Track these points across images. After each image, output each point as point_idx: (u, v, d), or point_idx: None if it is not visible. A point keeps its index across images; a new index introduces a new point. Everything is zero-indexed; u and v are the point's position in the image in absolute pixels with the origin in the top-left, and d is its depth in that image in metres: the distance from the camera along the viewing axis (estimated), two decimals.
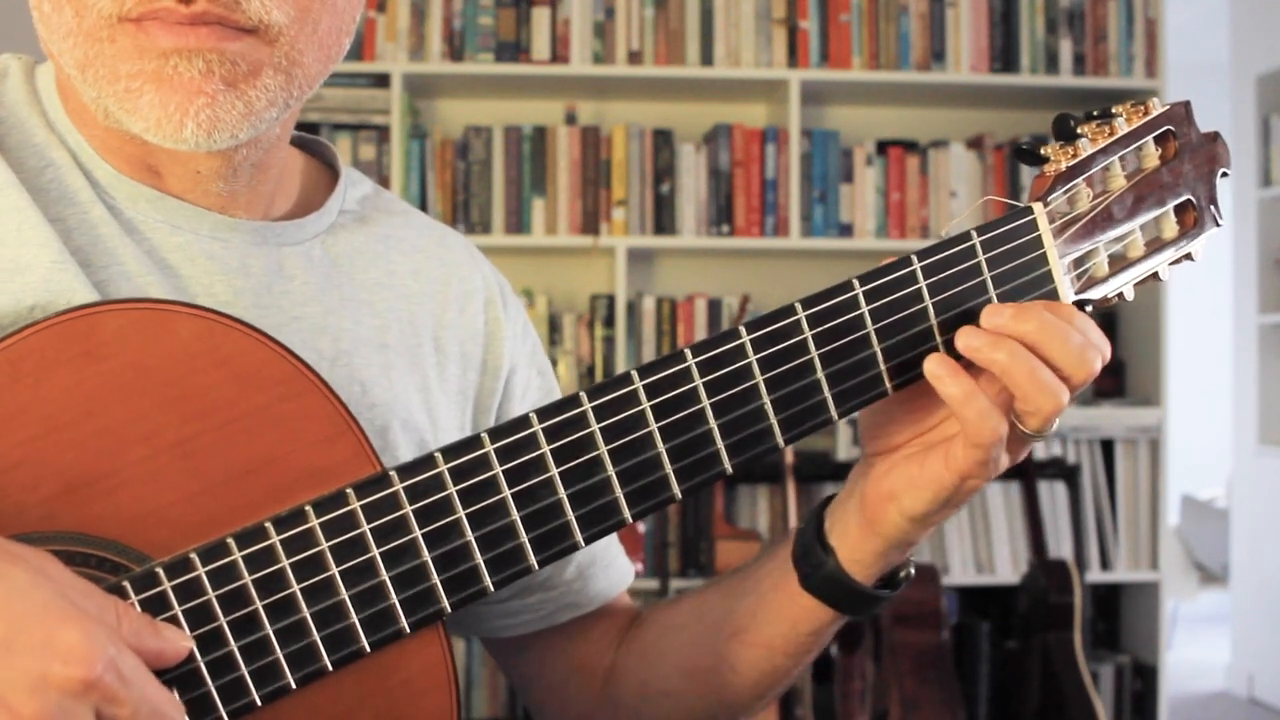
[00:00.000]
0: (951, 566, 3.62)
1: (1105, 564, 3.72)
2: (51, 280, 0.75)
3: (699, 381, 0.76)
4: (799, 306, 0.77)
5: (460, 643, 3.15)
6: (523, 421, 0.74)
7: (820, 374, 0.78)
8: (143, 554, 0.70)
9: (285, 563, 0.71)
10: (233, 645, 0.70)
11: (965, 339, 0.78)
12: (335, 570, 0.72)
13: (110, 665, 0.60)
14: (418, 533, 0.73)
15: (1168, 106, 0.85)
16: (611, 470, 0.75)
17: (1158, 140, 0.84)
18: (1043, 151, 0.82)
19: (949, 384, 0.77)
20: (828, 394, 0.78)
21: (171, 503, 0.71)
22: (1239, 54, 4.87)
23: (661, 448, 0.76)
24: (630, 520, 0.76)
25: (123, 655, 0.62)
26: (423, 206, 3.56)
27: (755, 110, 3.80)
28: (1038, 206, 0.81)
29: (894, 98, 3.81)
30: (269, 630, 0.71)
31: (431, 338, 0.92)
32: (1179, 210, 0.86)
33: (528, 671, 1.02)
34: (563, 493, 0.75)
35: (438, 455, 0.73)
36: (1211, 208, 0.86)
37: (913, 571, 0.88)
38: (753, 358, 0.77)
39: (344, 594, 0.72)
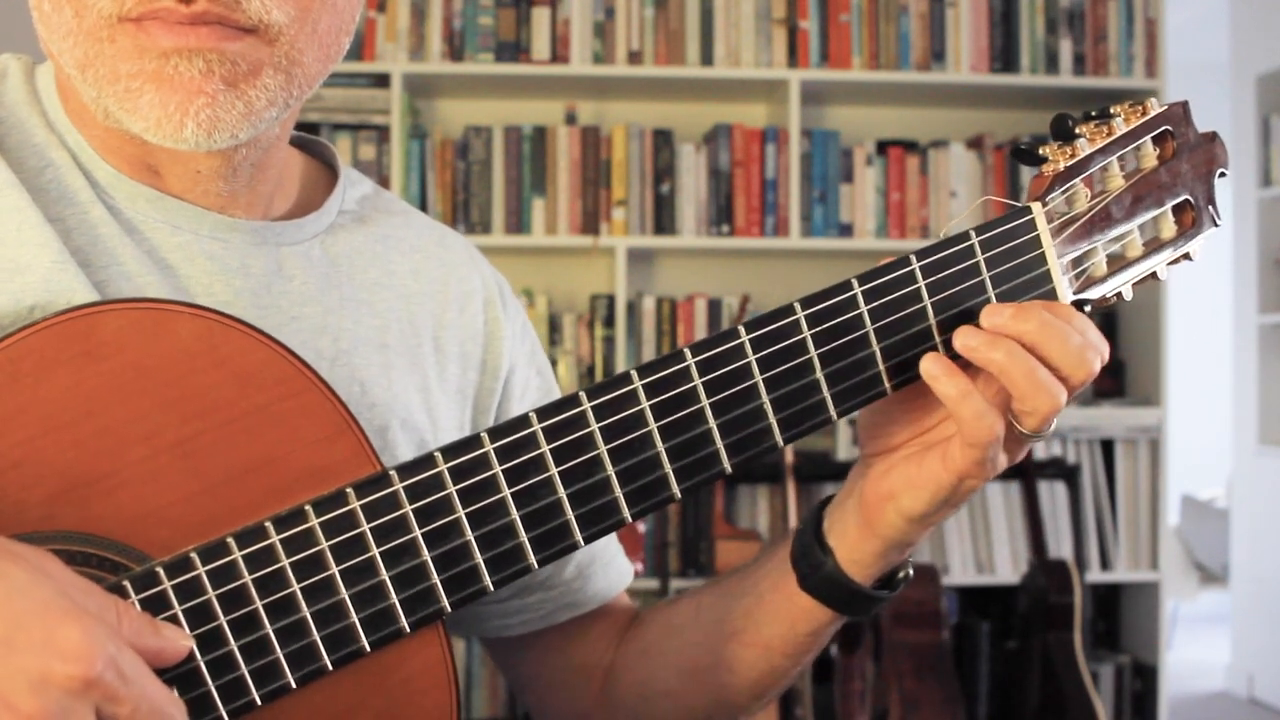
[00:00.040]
0: (951, 566, 3.62)
1: (1105, 564, 3.72)
2: (51, 280, 0.75)
3: (698, 381, 0.76)
4: (798, 306, 0.78)
5: (460, 643, 3.15)
6: (522, 421, 0.74)
7: (819, 374, 0.78)
8: (143, 553, 0.70)
9: (285, 562, 0.71)
10: (233, 644, 0.70)
11: (963, 339, 0.78)
12: (335, 569, 0.72)
13: (111, 663, 0.60)
14: (417, 532, 0.73)
15: (1166, 107, 0.85)
16: (611, 470, 0.75)
17: (1156, 140, 0.85)
18: (1041, 152, 0.82)
19: (945, 383, 0.77)
20: (827, 394, 0.78)
21: (171, 502, 0.71)
22: (1239, 54, 4.88)
23: (661, 447, 0.76)
24: (630, 520, 0.76)
25: (123, 653, 0.62)
26: (423, 206, 3.56)
27: (755, 110, 3.80)
28: (1036, 206, 0.81)
29: (894, 98, 3.81)
30: (269, 629, 0.71)
31: (431, 337, 0.92)
32: (1177, 210, 0.86)
33: (527, 671, 1.03)
34: (562, 492, 0.75)
35: (437, 455, 0.73)
36: (1210, 208, 0.86)
37: (911, 572, 0.88)
38: (752, 357, 0.77)
39: (344, 593, 0.72)
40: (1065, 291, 0.82)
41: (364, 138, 3.55)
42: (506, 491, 0.74)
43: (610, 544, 1.00)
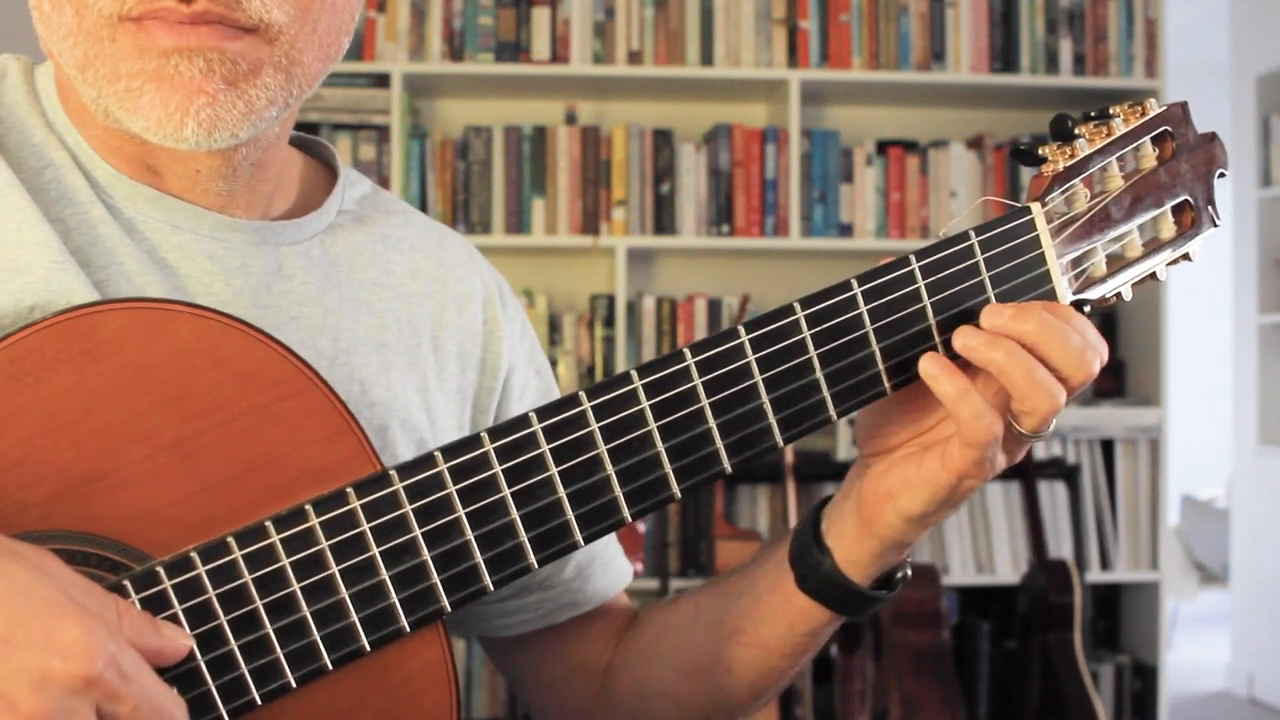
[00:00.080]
0: (951, 566, 3.62)
1: (1105, 564, 3.72)
2: (51, 280, 0.75)
3: (698, 381, 0.76)
4: (797, 306, 0.78)
5: (460, 643, 3.15)
6: (522, 420, 0.74)
7: (819, 374, 0.78)
8: (143, 553, 0.70)
9: (285, 561, 0.71)
10: (233, 644, 0.70)
11: (963, 338, 0.78)
12: (335, 569, 0.72)
13: (111, 661, 0.60)
14: (417, 531, 0.73)
15: (1165, 107, 0.85)
16: (611, 469, 0.76)
17: (1155, 141, 0.85)
18: (1040, 152, 0.82)
19: (943, 382, 0.77)
20: (826, 394, 0.78)
21: (171, 502, 0.71)
22: (1239, 54, 4.88)
23: (661, 447, 0.76)
24: (629, 519, 0.76)
25: (123, 651, 0.62)
26: (423, 206, 3.56)
27: (755, 110, 3.80)
28: (1035, 207, 0.81)
29: (894, 98, 3.81)
30: (269, 629, 0.71)
31: (430, 337, 0.93)
32: (1176, 211, 0.86)
33: (525, 671, 1.03)
34: (562, 492, 0.75)
35: (437, 454, 0.73)
36: (1209, 208, 0.86)
37: (909, 573, 0.88)
38: (751, 357, 0.77)
39: (344, 593, 0.72)
40: (1065, 292, 0.82)
41: (364, 138, 3.55)
42: (506, 491, 0.74)
43: (610, 544, 1.01)
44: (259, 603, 0.71)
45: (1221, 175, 0.87)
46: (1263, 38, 4.73)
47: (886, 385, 0.79)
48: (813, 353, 0.78)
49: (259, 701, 0.71)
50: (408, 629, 0.74)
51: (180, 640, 0.67)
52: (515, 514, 0.74)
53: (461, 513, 0.74)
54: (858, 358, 0.79)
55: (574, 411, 0.75)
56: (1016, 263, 0.81)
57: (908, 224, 3.69)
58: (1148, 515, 3.75)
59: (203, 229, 0.83)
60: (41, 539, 0.68)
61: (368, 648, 0.73)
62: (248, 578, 0.70)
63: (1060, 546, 3.57)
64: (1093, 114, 0.84)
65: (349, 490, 0.72)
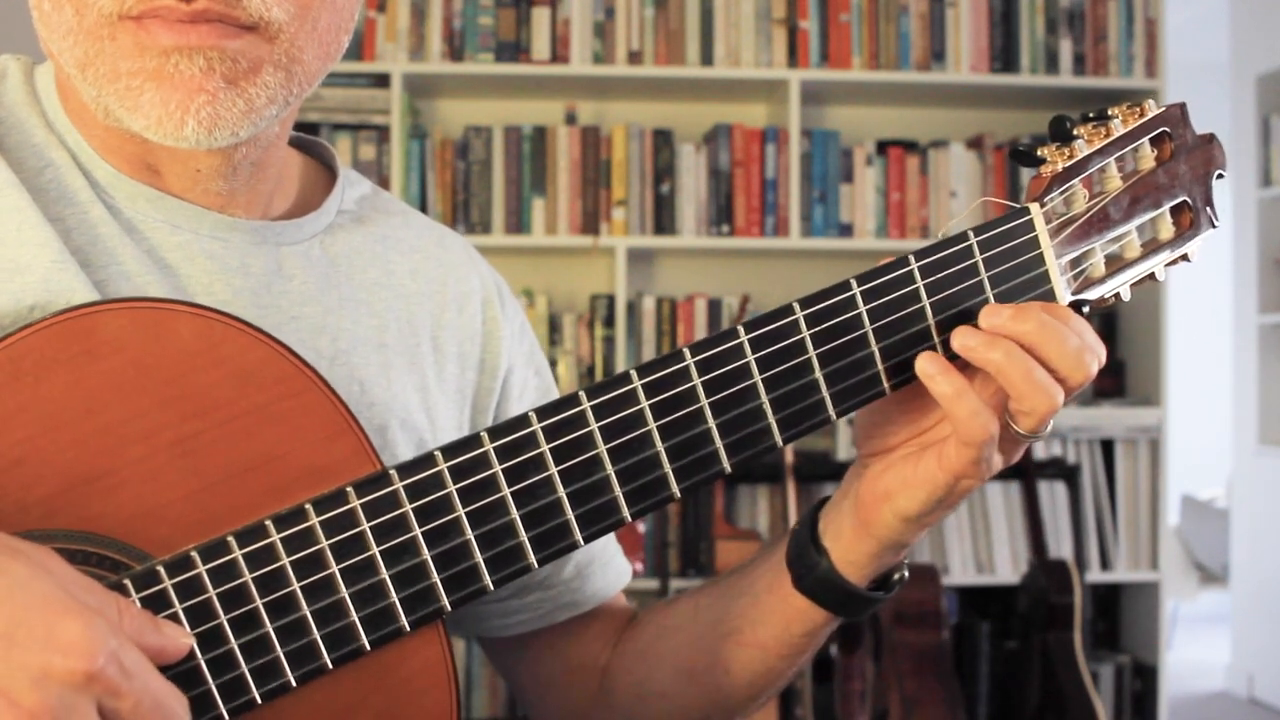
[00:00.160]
0: (951, 566, 3.62)
1: (1105, 564, 3.72)
2: (51, 280, 0.76)
3: (697, 381, 0.76)
4: (797, 306, 0.78)
5: (460, 643, 3.15)
6: (522, 420, 0.75)
7: (818, 374, 0.78)
8: (143, 552, 0.70)
9: (285, 561, 0.71)
10: (233, 643, 0.70)
11: (961, 339, 0.78)
12: (335, 568, 0.72)
13: (112, 658, 0.61)
14: (417, 531, 0.73)
15: (1163, 108, 0.85)
16: (610, 469, 0.76)
17: (1154, 142, 0.85)
18: (1039, 153, 0.82)
19: (940, 382, 0.77)
20: (825, 394, 0.78)
21: (171, 501, 0.71)
22: (1239, 54, 4.88)
23: (660, 447, 0.76)
24: (629, 519, 0.77)
25: (124, 648, 0.62)
26: (423, 207, 3.56)
27: (755, 110, 3.80)
28: (1034, 207, 0.81)
29: (894, 98, 3.81)
30: (269, 628, 0.71)
31: (430, 337, 0.93)
32: (1175, 211, 0.86)
33: (524, 671, 1.03)
34: (562, 491, 0.75)
35: (437, 454, 0.73)
36: (1207, 209, 0.86)
37: (906, 574, 0.88)
38: (751, 357, 0.77)
39: (344, 592, 0.72)
40: (1063, 292, 0.82)
41: (364, 138, 3.55)
42: (506, 491, 0.74)
43: (609, 544, 1.01)
44: (259, 602, 0.71)
45: (1220, 176, 0.87)
46: (1263, 38, 4.73)
47: (885, 385, 0.80)
48: (812, 353, 0.78)
49: (259, 700, 0.71)
50: (408, 628, 0.74)
51: (180, 639, 0.68)
52: (515, 513, 0.75)
53: (461, 512, 0.74)
54: (857, 358, 0.79)
55: (573, 411, 0.75)
56: (1015, 263, 0.81)
57: (907, 224, 3.69)
58: (1148, 515, 3.75)
59: (203, 229, 0.83)
60: (43, 538, 0.68)
61: (368, 647, 0.73)
62: (248, 577, 0.71)
63: (1060, 546, 3.57)
64: (1091, 115, 0.84)
65: (349, 489, 0.72)
